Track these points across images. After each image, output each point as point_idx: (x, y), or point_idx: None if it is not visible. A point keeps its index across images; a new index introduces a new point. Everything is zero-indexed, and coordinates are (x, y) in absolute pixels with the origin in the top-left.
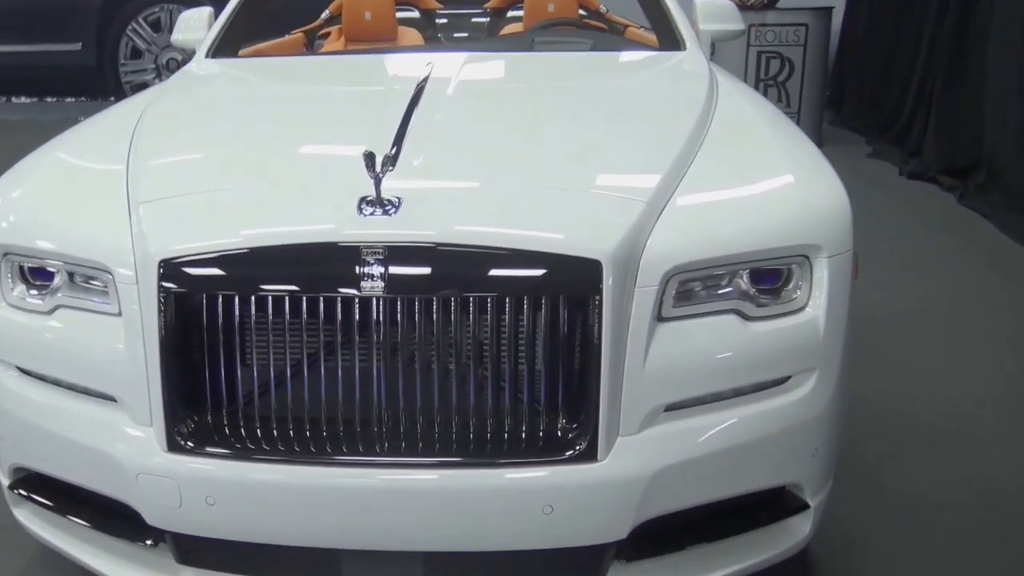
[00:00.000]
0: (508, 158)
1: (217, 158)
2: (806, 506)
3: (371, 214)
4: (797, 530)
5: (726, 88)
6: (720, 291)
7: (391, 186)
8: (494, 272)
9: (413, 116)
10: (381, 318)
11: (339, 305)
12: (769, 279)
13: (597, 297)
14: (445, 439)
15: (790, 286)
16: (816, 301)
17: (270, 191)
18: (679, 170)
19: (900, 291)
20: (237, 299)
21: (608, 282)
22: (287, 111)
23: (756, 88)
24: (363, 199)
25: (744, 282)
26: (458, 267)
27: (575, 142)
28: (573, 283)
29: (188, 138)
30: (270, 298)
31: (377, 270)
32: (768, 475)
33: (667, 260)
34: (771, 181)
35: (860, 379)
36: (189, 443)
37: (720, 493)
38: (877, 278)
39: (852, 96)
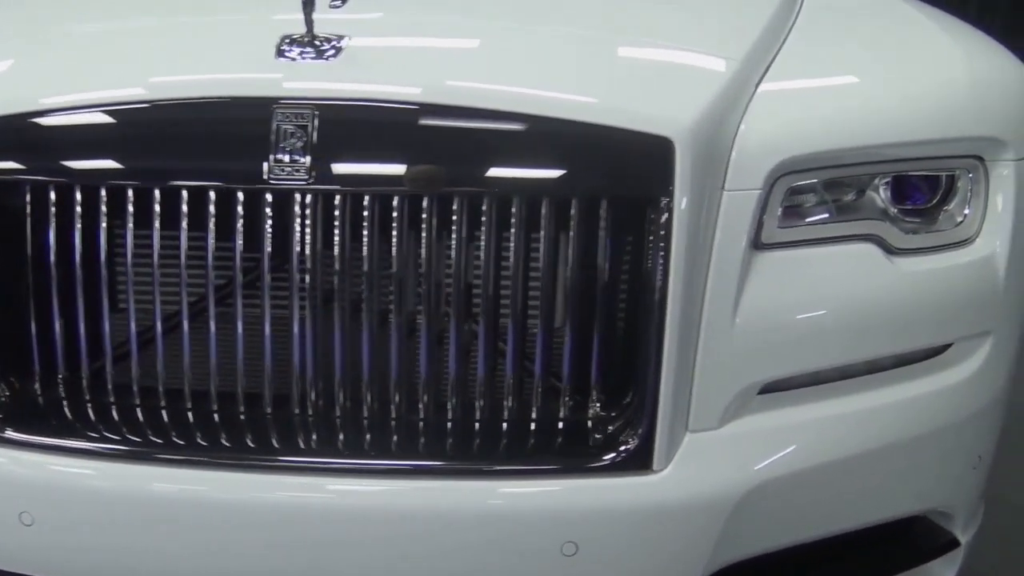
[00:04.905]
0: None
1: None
2: (955, 543)
3: (296, 57)
4: None
5: None
6: (850, 207)
7: (334, 24)
8: (489, 154)
9: None
10: (307, 229)
11: (239, 205)
12: (917, 194)
13: (665, 201)
14: (406, 432)
15: (951, 204)
16: (993, 228)
17: (133, 28)
18: (777, 32)
19: None
20: (79, 193)
21: (684, 177)
22: None
23: None
24: (286, 38)
25: (882, 197)
26: (427, 143)
27: None
28: (625, 176)
29: None
30: (130, 193)
31: (298, 145)
32: (910, 497)
33: (773, 150)
34: (924, 54)
35: None
36: None
37: (840, 524)
38: None
39: None
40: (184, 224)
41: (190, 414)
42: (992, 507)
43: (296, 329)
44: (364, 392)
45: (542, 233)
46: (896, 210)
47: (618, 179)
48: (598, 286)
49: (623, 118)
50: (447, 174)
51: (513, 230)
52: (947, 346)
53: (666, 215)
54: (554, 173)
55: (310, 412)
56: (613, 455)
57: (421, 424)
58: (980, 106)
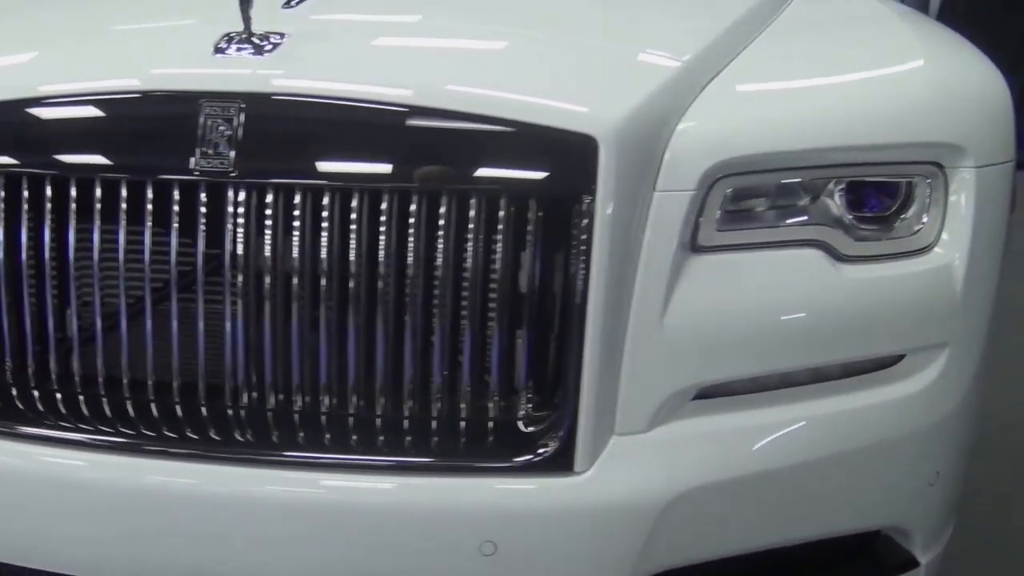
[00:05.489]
0: (475, 9)
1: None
2: (914, 563)
3: (233, 53)
4: None
5: None
6: (798, 212)
7: (284, 23)
8: (412, 150)
9: None
10: (239, 223)
11: (176, 196)
12: (875, 202)
13: (587, 201)
14: (336, 427)
15: (909, 212)
16: (952, 237)
17: (80, 25)
18: (740, 37)
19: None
20: (25, 182)
21: (608, 177)
22: None
23: None
24: (226, 35)
25: (836, 203)
26: (350, 138)
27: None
28: (549, 175)
29: None
30: (74, 184)
31: (223, 138)
32: (858, 512)
33: (710, 151)
34: (888, 59)
35: None
36: None
37: (780, 537)
38: None
39: None
40: (123, 219)
41: (129, 403)
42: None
43: (228, 324)
44: (293, 388)
45: (472, 230)
46: (852, 217)
47: (542, 178)
48: (526, 287)
49: (548, 115)
50: (371, 170)
51: (442, 231)
52: (900, 357)
53: (588, 216)
54: (478, 171)
55: (242, 405)
56: (531, 456)
57: (351, 420)
58: (940, 112)
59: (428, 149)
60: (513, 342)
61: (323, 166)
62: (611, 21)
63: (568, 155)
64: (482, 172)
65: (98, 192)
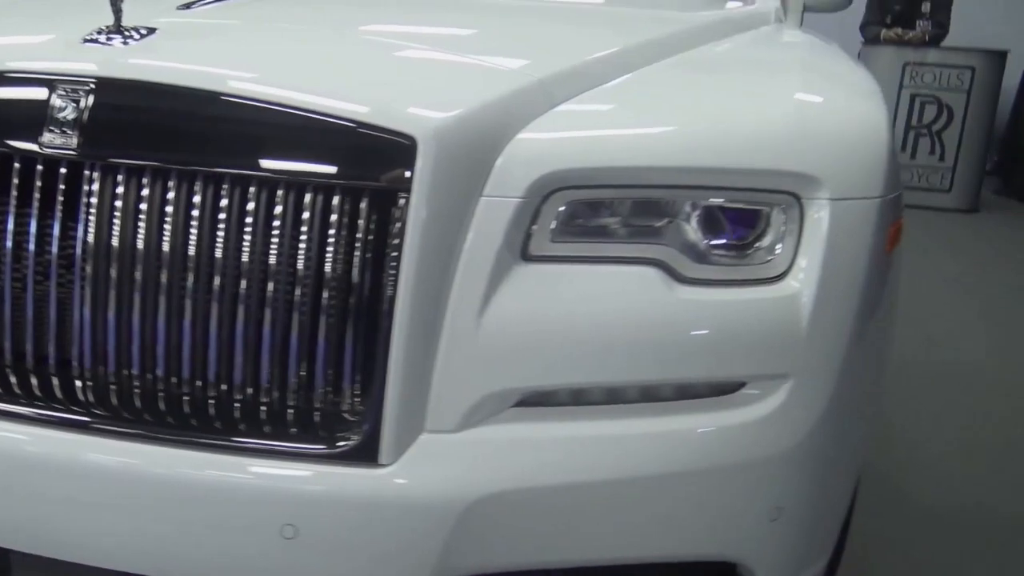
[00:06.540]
0: (347, 23)
1: None
2: None
3: (102, 43)
4: None
5: (775, 31)
6: (645, 231)
7: (164, 22)
8: (246, 141)
9: None
10: (91, 208)
11: (37, 180)
12: (732, 228)
13: (403, 198)
14: (168, 405)
15: (764, 240)
16: (803, 269)
17: None
18: (628, 63)
19: None
20: None
21: (424, 176)
22: None
23: (905, 136)
24: (99, 28)
25: (692, 227)
26: (190, 126)
27: (452, 26)
28: (368, 173)
29: None
30: None
31: (68, 119)
32: (690, 539)
33: (541, 161)
34: (765, 90)
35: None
36: None
37: (604, 553)
38: None
39: None
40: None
41: None
42: None
43: (76, 306)
44: (133, 367)
45: (309, 220)
46: (706, 241)
47: (366, 175)
48: (355, 283)
49: (372, 113)
50: (208, 159)
51: (279, 227)
52: (741, 385)
53: (402, 215)
54: (305, 166)
55: (88, 378)
56: (330, 445)
57: (187, 399)
58: (797, 142)
59: (259, 141)
60: (341, 336)
61: (165, 152)
62: (492, 34)
63: (389, 154)
64: (309, 167)
65: None
